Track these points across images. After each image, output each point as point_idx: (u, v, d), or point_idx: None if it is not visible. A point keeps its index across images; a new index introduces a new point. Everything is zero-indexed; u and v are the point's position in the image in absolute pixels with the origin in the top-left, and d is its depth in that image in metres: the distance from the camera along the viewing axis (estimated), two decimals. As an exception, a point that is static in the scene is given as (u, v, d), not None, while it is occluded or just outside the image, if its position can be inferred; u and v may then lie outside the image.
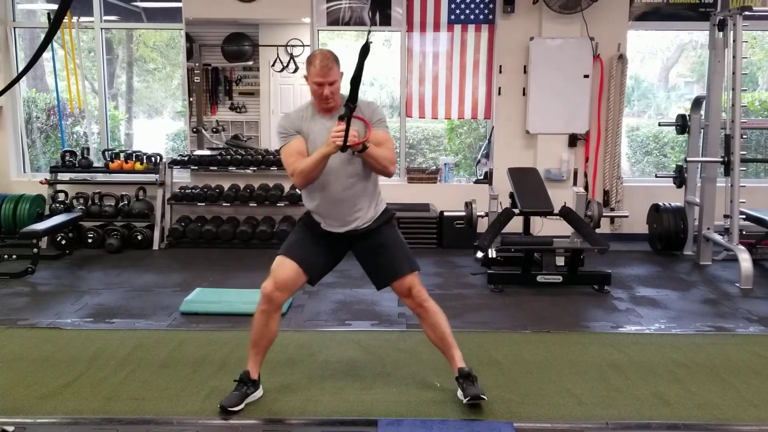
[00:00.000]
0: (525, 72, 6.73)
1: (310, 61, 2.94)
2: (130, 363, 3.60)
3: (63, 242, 6.18)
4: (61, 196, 6.76)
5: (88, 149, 6.97)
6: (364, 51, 2.70)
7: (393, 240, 3.18)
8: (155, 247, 6.59)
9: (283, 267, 3.04)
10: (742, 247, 5.42)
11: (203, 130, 7.03)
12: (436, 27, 6.84)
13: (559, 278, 5.13)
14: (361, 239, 3.15)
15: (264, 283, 3.01)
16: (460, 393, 3.12)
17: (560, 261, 5.32)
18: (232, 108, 7.02)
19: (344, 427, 2.92)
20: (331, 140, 2.83)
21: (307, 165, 2.91)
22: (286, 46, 6.89)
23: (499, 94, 6.81)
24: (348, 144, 2.81)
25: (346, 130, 2.78)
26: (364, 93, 8.21)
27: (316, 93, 2.95)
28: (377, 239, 3.15)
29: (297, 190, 3.11)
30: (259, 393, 3.15)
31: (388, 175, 3.04)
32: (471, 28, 6.83)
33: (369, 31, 2.96)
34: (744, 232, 5.76)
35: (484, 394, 3.04)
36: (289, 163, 2.98)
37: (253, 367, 3.12)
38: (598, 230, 5.40)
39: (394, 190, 7.05)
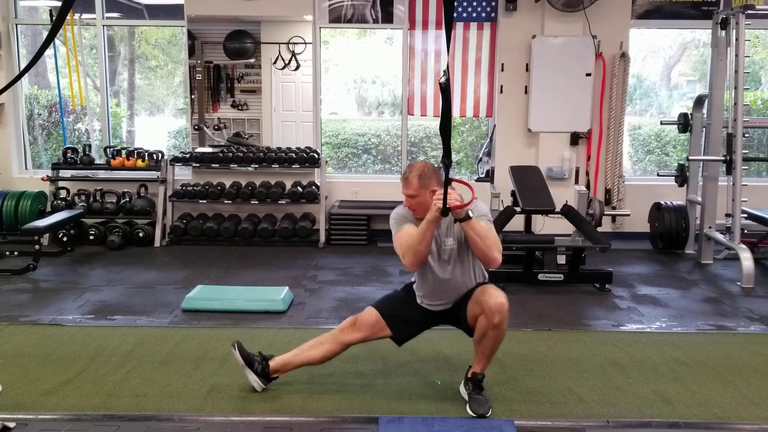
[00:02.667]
0: (527, 70, 6.72)
1: (405, 177, 3.01)
2: (132, 360, 3.61)
3: (64, 239, 6.19)
4: (63, 193, 6.76)
5: (89, 146, 6.98)
6: (445, 93, 2.62)
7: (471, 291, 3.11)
8: (157, 244, 6.60)
9: (368, 313, 3.15)
10: (744, 246, 5.42)
11: (205, 128, 7.04)
12: (438, 25, 6.83)
13: (560, 276, 5.13)
14: (447, 311, 3.17)
15: (350, 317, 3.17)
16: (462, 389, 3.14)
17: (561, 259, 5.31)
18: (234, 105, 7.02)
19: (345, 424, 2.93)
20: (432, 205, 2.83)
21: (414, 238, 2.90)
22: (288, 43, 6.88)
23: (501, 92, 6.80)
24: (449, 207, 2.76)
25: (445, 192, 2.75)
26: (366, 91, 8.22)
27: (405, 202, 3.03)
28: (460, 302, 3.13)
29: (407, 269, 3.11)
30: (258, 384, 3.17)
31: (492, 259, 2.89)
32: (473, 26, 6.83)
33: (446, 71, 2.56)
34: (745, 231, 5.76)
35: (490, 409, 3.01)
36: (400, 243, 2.98)
37: (279, 363, 3.18)
38: (599, 229, 5.41)
39: (395, 188, 7.04)
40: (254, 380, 3.17)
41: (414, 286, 3.22)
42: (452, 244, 3.03)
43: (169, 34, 7.73)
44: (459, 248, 3.04)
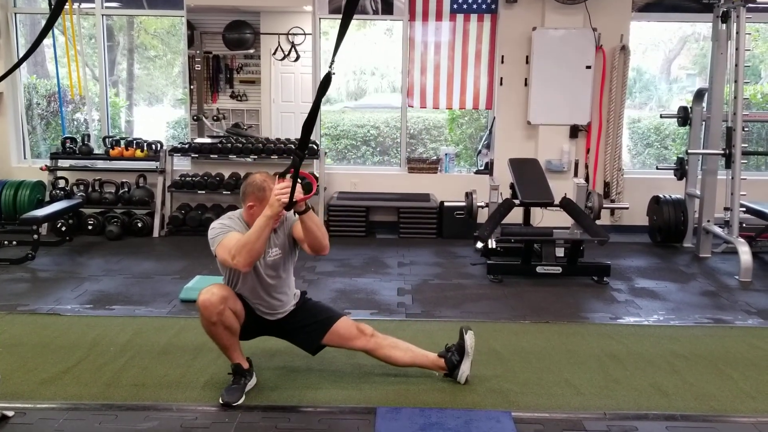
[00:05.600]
0: (527, 62, 6.70)
1: (263, 188, 2.84)
2: (130, 349, 3.62)
3: (63, 229, 6.18)
4: (62, 183, 6.75)
5: (88, 136, 6.96)
6: (324, 84, 2.26)
7: (313, 305, 3.23)
8: (155, 234, 6.60)
9: (221, 284, 3.03)
10: (742, 240, 5.43)
11: (204, 118, 7.02)
12: (439, 16, 6.81)
13: (558, 269, 5.14)
14: (285, 320, 3.16)
15: (200, 297, 2.92)
16: (459, 373, 3.17)
17: (560, 252, 5.33)
18: (233, 96, 7.00)
19: (343, 415, 2.93)
20: (274, 199, 2.67)
21: (250, 236, 2.73)
22: (287, 34, 6.86)
23: (501, 84, 6.79)
24: (294, 200, 2.63)
25: (293, 185, 2.58)
26: (366, 82, 8.20)
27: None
28: (299, 312, 3.18)
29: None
30: (254, 380, 3.16)
31: (324, 248, 2.92)
32: (473, 17, 6.81)
33: (332, 62, 2.14)
34: (744, 225, 5.76)
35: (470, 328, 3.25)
36: (231, 246, 2.78)
37: (239, 359, 3.11)
38: (598, 221, 5.40)
39: (394, 179, 7.07)
40: (251, 386, 3.13)
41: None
42: (277, 253, 3.02)
43: (169, 24, 7.70)
44: (283, 256, 3.04)
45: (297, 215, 2.84)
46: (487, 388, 3.13)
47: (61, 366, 3.38)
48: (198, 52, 6.93)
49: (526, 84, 6.75)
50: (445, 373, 3.22)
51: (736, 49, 5.50)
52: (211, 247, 2.95)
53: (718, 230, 5.81)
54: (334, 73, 2.25)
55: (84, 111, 7.50)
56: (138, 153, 6.78)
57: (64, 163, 6.91)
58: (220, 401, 2.99)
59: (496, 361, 3.50)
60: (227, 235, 2.88)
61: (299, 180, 2.64)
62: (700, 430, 2.85)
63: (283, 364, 3.41)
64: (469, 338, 3.20)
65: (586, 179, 6.72)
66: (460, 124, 7.97)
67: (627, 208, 6.25)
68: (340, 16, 2.00)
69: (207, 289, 2.96)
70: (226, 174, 6.81)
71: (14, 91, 7.13)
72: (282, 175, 2.68)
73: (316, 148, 6.67)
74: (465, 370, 3.18)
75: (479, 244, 5.85)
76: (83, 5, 6.97)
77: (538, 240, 5.32)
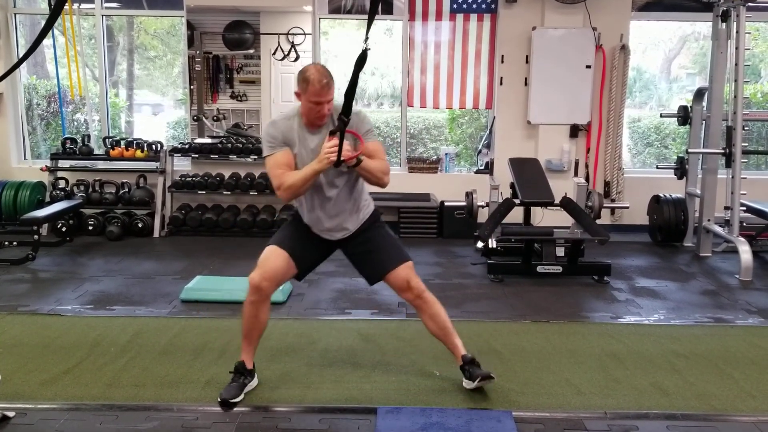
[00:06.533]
0: (527, 62, 6.70)
1: (306, 79, 2.81)
2: (131, 350, 3.62)
3: (63, 229, 6.19)
4: (62, 183, 6.75)
5: (88, 136, 6.96)
6: (361, 60, 2.46)
7: (382, 236, 3.18)
8: (156, 234, 6.60)
9: (274, 256, 3.01)
10: (743, 239, 5.42)
11: (204, 119, 7.02)
12: (438, 16, 6.81)
13: (558, 269, 5.14)
14: (350, 240, 3.15)
15: (252, 273, 2.97)
16: (466, 382, 3.13)
17: (560, 251, 5.32)
18: (233, 96, 7.00)
19: (343, 414, 2.93)
20: (323, 156, 2.80)
21: (297, 180, 2.88)
22: (287, 34, 6.86)
23: (501, 83, 6.79)
24: (342, 159, 2.78)
25: (340, 145, 2.75)
26: (365, 82, 8.20)
27: (312, 111, 2.87)
28: (366, 237, 3.15)
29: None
30: (255, 382, 3.16)
31: (383, 185, 3.01)
32: (473, 17, 6.81)
33: (366, 38, 2.39)
34: (744, 224, 5.76)
35: (493, 373, 3.06)
36: (277, 175, 2.92)
37: (247, 357, 3.12)
38: (598, 221, 5.40)
39: (394, 179, 6.96)
40: (250, 387, 3.12)
41: (299, 211, 3.15)
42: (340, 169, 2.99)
43: (168, 25, 7.70)
44: (335, 173, 3.00)
45: (348, 168, 2.92)
46: (488, 387, 3.13)
47: (62, 366, 3.38)
48: (198, 52, 6.93)
49: (526, 84, 6.75)
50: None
51: (736, 48, 5.50)
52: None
53: (718, 229, 5.81)
54: (369, 49, 2.40)
55: (84, 111, 7.50)
56: (138, 153, 6.78)
57: (64, 163, 6.91)
58: (219, 399, 2.99)
59: (496, 360, 3.50)
60: (275, 155, 2.94)
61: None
62: (701, 429, 2.85)
63: (283, 364, 3.41)
64: (480, 383, 3.06)
65: (587, 179, 6.72)
66: (460, 123, 7.98)
67: (627, 208, 6.25)
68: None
69: (264, 263, 2.98)
70: (227, 174, 6.81)
71: (14, 92, 7.13)
72: (332, 134, 2.81)
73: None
74: (469, 385, 3.14)
75: (479, 244, 5.85)
76: (83, 5, 6.97)
77: (539, 239, 5.32)
